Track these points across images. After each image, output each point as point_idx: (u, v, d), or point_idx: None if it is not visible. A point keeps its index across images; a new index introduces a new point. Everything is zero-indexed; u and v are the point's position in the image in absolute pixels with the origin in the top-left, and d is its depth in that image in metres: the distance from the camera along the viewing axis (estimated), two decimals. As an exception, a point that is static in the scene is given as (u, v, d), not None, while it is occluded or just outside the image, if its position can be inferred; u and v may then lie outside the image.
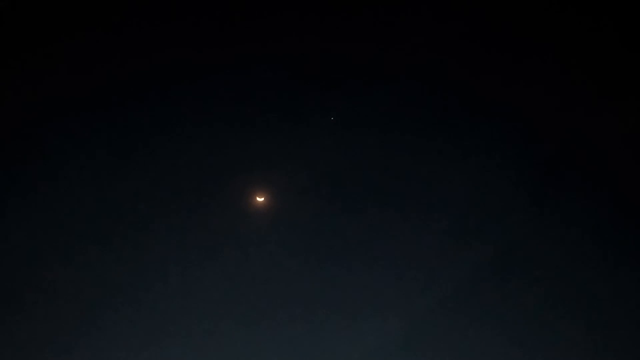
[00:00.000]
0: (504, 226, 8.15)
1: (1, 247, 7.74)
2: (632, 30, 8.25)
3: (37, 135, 8.06)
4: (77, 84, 7.92)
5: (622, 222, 8.07)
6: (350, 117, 8.47)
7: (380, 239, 8.11)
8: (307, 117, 8.41)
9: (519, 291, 8.06)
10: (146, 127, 8.02)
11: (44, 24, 8.15)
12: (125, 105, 7.99)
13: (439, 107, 8.49)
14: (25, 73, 8.07)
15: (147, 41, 8.26)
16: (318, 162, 8.35)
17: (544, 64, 8.30)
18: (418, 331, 7.91)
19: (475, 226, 8.20)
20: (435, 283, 7.98)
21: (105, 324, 7.62)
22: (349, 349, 7.87)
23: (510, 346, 7.81)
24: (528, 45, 8.39)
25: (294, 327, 7.87)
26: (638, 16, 8.23)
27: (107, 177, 7.79)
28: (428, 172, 8.33)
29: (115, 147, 7.90)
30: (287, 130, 8.42)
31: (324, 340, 7.91)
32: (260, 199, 8.20)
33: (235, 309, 7.87)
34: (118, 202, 7.75)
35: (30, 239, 7.65)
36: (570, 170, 8.25)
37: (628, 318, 7.68)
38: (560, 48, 8.38)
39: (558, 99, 8.40)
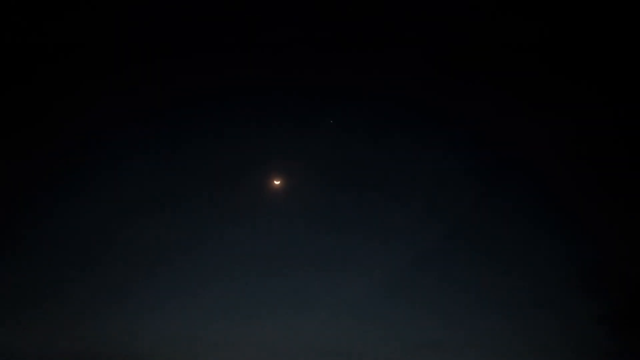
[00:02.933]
0: (458, 209, 10.86)
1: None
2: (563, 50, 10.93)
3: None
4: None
5: (545, 206, 10.82)
6: (344, 122, 11.20)
7: (368, 214, 10.85)
8: (312, 121, 11.14)
9: (469, 254, 10.81)
10: (200, 133, 10.94)
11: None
12: (188, 117, 10.90)
13: (411, 118, 11.27)
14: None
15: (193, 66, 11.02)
16: (320, 155, 11.04)
17: (489, 86, 11.13)
18: (395, 283, 10.53)
19: (438, 208, 10.93)
20: (409, 249, 10.63)
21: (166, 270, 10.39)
22: (342, 296, 10.46)
23: (462, 294, 10.47)
24: (483, 71, 11.18)
25: (301, 277, 10.52)
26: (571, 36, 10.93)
27: (177, 169, 10.68)
28: (404, 166, 11.07)
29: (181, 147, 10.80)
30: (297, 132, 11.13)
31: (323, 288, 10.52)
32: (277, 182, 10.84)
33: (257, 262, 10.53)
34: (182, 185, 10.68)
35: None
36: (508, 167, 11.01)
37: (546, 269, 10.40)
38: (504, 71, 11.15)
39: (502, 113, 11.17)
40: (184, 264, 10.43)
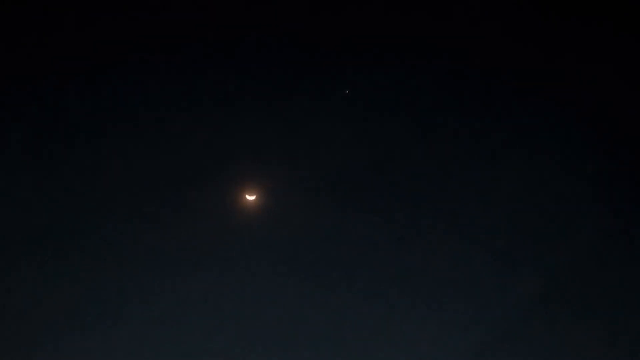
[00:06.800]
0: (560, 249, 6.52)
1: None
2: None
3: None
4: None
5: None
6: (366, 95, 6.78)
7: (405, 259, 6.45)
8: (313, 93, 6.73)
9: (574, 326, 6.43)
10: (130, 117, 6.60)
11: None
12: (116, 94, 6.60)
13: (482, 92, 6.90)
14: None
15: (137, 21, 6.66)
16: (325, 152, 6.72)
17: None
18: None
19: (524, 249, 6.57)
20: (477, 318, 6.32)
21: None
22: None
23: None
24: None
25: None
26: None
27: (90, 175, 6.49)
28: (466, 174, 6.77)
29: (100, 140, 6.58)
30: (286, 113, 6.76)
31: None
32: (250, 198, 6.56)
33: (227, 329, 6.29)
34: (100, 203, 6.45)
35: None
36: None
37: None
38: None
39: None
40: (112, 326, 6.18)
